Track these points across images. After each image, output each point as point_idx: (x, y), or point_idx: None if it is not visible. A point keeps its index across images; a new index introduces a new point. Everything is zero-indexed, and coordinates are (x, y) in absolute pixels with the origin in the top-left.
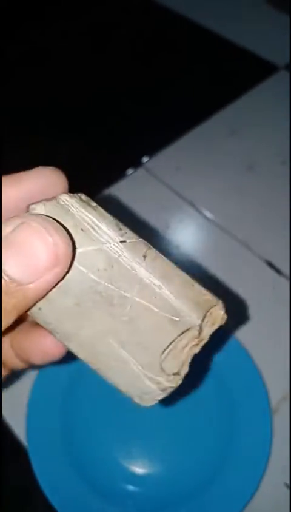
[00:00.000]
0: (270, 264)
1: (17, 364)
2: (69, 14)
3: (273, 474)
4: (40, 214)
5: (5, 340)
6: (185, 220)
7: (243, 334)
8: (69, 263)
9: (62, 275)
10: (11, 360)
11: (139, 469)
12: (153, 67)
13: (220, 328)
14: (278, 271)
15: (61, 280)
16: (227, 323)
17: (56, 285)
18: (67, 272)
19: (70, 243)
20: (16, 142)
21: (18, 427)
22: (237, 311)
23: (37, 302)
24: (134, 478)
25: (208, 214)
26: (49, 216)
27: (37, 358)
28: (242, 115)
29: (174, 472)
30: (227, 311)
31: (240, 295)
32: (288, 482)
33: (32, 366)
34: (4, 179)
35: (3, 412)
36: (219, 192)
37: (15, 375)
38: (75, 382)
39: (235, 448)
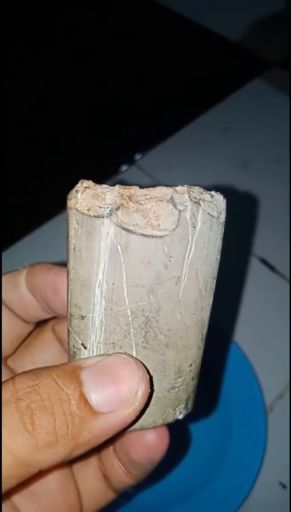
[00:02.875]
0: (264, 262)
1: (122, 478)
2: (69, 13)
3: (268, 473)
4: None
5: (108, 451)
6: None
7: (236, 332)
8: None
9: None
10: (117, 475)
11: None
12: (146, 63)
13: (215, 328)
14: (272, 268)
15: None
16: (220, 321)
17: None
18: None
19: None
20: (14, 139)
21: None
22: (230, 309)
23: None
24: None
25: None
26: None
27: (139, 456)
28: (236, 112)
29: (168, 472)
30: (219, 310)
31: (234, 293)
32: (283, 481)
33: (134, 479)
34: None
35: None
36: (213, 190)
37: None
38: None
39: (230, 447)
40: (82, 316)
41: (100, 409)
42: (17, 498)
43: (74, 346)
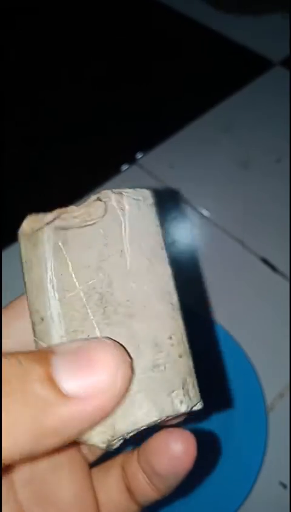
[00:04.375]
0: (265, 261)
1: (146, 491)
2: (68, 13)
3: (268, 473)
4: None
5: (132, 460)
6: (179, 217)
7: (238, 331)
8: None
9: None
10: (140, 487)
11: None
12: (147, 63)
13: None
14: (273, 268)
15: None
16: (221, 320)
17: None
18: None
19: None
20: (14, 139)
21: None
22: (232, 308)
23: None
24: None
25: (203, 211)
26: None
27: (163, 467)
28: (237, 112)
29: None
30: (221, 309)
31: (235, 292)
32: (284, 481)
33: (159, 493)
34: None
35: None
36: (214, 189)
37: None
38: None
39: (230, 446)
40: (41, 318)
41: (71, 393)
42: (28, 507)
43: None
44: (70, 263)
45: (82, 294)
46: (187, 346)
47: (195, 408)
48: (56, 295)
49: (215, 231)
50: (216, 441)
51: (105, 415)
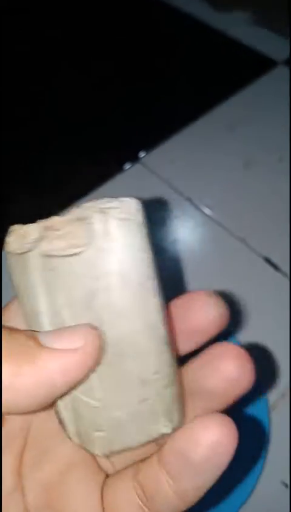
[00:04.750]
0: (268, 261)
1: (169, 499)
2: (69, 13)
3: (270, 473)
4: None
5: (151, 466)
6: (182, 216)
7: (240, 331)
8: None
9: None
10: (162, 494)
11: None
12: (150, 61)
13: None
14: (276, 267)
15: None
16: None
17: None
18: None
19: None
20: (14, 137)
21: None
22: (234, 308)
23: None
24: None
25: (205, 210)
26: None
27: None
28: (240, 111)
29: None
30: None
31: (238, 292)
32: (286, 481)
33: (185, 501)
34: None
35: None
36: (217, 188)
37: None
38: None
39: None
40: None
41: (47, 344)
42: None
43: None
44: (59, 297)
45: None
46: (172, 375)
47: (178, 426)
48: (50, 329)
49: (218, 229)
50: None
51: (77, 373)
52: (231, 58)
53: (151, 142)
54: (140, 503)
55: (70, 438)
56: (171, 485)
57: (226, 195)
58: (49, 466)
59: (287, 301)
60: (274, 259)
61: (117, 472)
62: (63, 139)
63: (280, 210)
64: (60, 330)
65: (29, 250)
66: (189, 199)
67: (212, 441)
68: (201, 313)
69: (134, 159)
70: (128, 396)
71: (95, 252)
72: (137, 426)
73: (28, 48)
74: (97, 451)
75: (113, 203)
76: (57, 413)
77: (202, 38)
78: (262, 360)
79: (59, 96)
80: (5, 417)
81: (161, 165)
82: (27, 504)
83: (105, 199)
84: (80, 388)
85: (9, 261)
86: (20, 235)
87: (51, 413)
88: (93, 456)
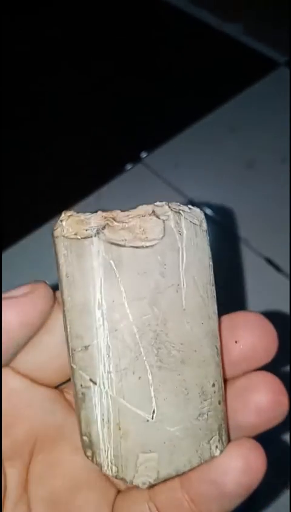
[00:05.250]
0: (270, 262)
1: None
2: (70, 12)
3: (271, 472)
4: None
5: (173, 491)
6: None
7: None
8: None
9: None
10: None
11: None
12: (152, 62)
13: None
14: (278, 268)
15: None
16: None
17: None
18: None
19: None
20: (13, 137)
21: None
22: (236, 308)
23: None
24: None
25: (207, 211)
26: None
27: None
28: (242, 112)
29: None
30: (224, 309)
31: (239, 292)
32: (286, 480)
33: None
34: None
35: None
36: (219, 188)
37: None
38: None
39: None
40: (85, 347)
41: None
42: None
43: (81, 385)
44: (123, 289)
45: (135, 329)
46: (223, 390)
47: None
48: (106, 324)
49: (219, 230)
50: None
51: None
52: (233, 59)
53: (152, 142)
54: None
55: (100, 467)
56: (194, 511)
57: (228, 196)
58: (57, 481)
59: (288, 302)
60: (276, 260)
61: (129, 489)
62: (63, 139)
63: (283, 211)
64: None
65: (90, 236)
66: (191, 200)
67: (243, 469)
68: (249, 340)
69: (136, 159)
70: (188, 409)
71: (166, 248)
72: (192, 446)
73: (28, 48)
74: (139, 481)
75: (183, 207)
76: (84, 430)
77: (203, 39)
78: None
79: (59, 96)
80: (13, 424)
81: (163, 165)
82: None
83: (175, 203)
84: (128, 394)
85: (59, 246)
86: (78, 221)
87: (59, 419)
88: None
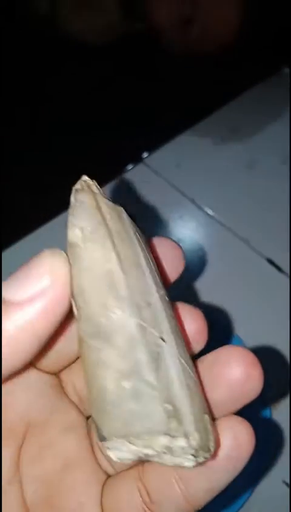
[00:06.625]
0: (271, 262)
1: (179, 500)
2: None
3: (271, 472)
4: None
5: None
6: (185, 216)
7: (242, 332)
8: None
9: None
10: (171, 495)
11: None
12: (154, 62)
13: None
14: (279, 269)
15: None
16: (226, 320)
17: None
18: None
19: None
20: (15, 137)
21: None
22: (237, 308)
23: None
24: None
25: (208, 211)
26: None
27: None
28: (243, 113)
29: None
30: (225, 309)
31: (240, 293)
32: (287, 480)
33: (194, 503)
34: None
35: None
36: (220, 189)
37: None
38: None
39: None
40: (148, 303)
41: (17, 302)
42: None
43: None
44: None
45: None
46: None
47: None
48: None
49: (221, 231)
50: None
51: (50, 317)
52: (236, 60)
53: (154, 142)
54: (143, 505)
55: (185, 436)
56: (182, 489)
57: (229, 196)
58: (49, 461)
59: (288, 302)
60: (277, 261)
61: (119, 473)
62: (63, 139)
63: (284, 212)
64: (22, 272)
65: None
66: (192, 200)
67: (232, 445)
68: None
69: (137, 159)
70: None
71: None
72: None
73: (28, 48)
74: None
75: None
76: (165, 397)
77: None
78: (263, 360)
79: (59, 96)
80: (5, 407)
81: (164, 165)
82: (25, 498)
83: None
84: (184, 355)
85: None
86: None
87: (51, 401)
88: (94, 455)
